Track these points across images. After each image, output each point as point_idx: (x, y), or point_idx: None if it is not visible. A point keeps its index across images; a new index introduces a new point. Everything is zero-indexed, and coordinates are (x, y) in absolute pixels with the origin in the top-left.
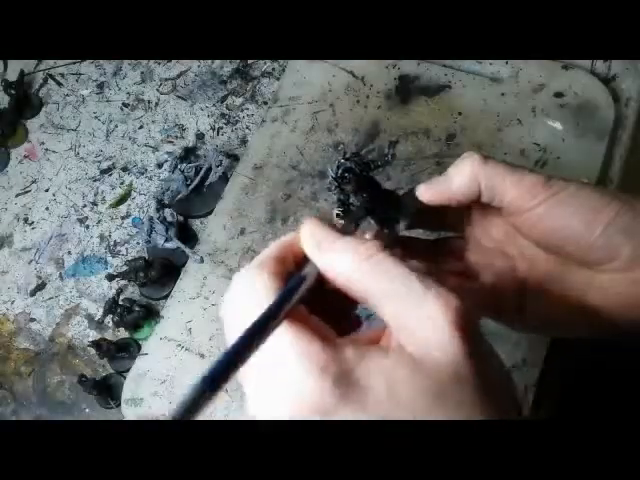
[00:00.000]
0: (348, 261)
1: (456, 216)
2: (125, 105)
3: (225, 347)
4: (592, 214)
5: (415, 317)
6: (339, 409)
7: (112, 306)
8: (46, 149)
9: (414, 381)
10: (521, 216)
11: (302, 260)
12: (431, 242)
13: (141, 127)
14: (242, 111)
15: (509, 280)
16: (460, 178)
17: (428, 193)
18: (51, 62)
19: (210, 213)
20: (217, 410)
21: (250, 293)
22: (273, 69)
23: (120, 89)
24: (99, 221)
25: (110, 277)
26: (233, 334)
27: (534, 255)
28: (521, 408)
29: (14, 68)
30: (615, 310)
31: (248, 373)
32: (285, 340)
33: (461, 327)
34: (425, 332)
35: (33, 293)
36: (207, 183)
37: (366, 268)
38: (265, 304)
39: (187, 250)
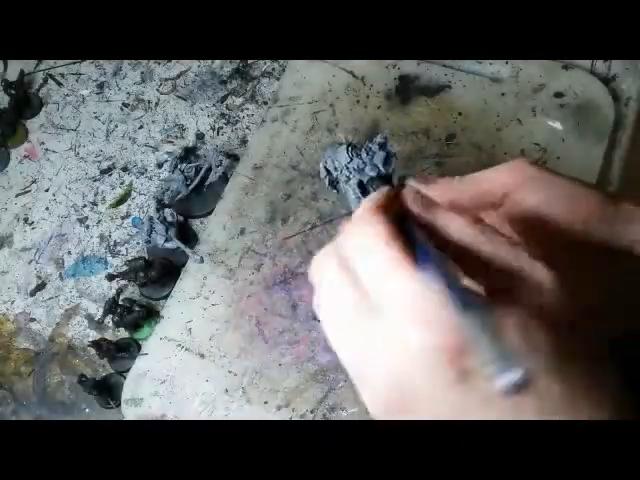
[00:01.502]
0: (458, 224)
1: None
2: (125, 105)
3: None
4: (573, 201)
5: (527, 281)
6: (472, 351)
7: (112, 306)
8: (46, 149)
9: (542, 329)
10: (502, 203)
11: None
12: None
13: (141, 127)
14: (242, 111)
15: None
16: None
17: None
18: (51, 62)
19: (210, 213)
20: (217, 410)
21: (373, 233)
22: (273, 69)
23: (120, 89)
24: (99, 221)
25: (110, 277)
26: (345, 281)
27: None
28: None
29: (14, 68)
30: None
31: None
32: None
33: (569, 296)
34: (537, 295)
35: (33, 293)
36: (207, 183)
37: (474, 232)
38: (397, 249)
39: (187, 250)
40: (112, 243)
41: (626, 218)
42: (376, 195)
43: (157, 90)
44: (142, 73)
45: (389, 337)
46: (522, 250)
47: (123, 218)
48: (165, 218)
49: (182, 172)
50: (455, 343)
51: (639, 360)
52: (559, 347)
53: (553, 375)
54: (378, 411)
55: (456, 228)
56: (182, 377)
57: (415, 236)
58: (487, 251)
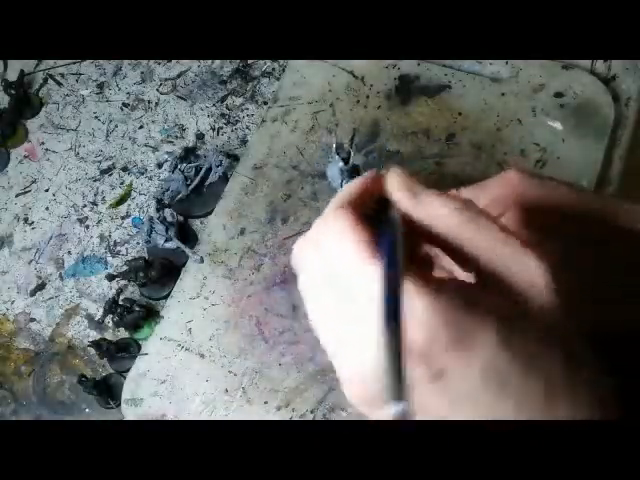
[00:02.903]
0: (447, 211)
1: None
2: (125, 105)
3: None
4: (564, 205)
5: (517, 275)
6: (447, 351)
7: (112, 306)
8: (46, 149)
9: (523, 327)
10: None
11: (379, 204)
12: None
13: (141, 127)
14: (242, 111)
15: None
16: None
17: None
18: (51, 62)
19: (210, 213)
20: (217, 410)
21: (341, 236)
22: (273, 69)
23: (120, 89)
24: (99, 221)
25: (110, 277)
26: (320, 272)
27: None
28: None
29: (14, 68)
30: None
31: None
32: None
33: (557, 291)
34: (526, 290)
35: (33, 293)
36: (207, 183)
37: (465, 219)
38: (358, 246)
39: (187, 250)
40: (112, 243)
41: (614, 214)
42: (346, 189)
43: (157, 90)
44: (142, 73)
45: (361, 328)
46: (513, 238)
47: (123, 218)
48: (165, 218)
49: (182, 172)
50: (422, 341)
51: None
52: (538, 348)
53: (531, 376)
54: (349, 398)
55: (444, 215)
56: (182, 377)
57: (390, 228)
58: (477, 239)
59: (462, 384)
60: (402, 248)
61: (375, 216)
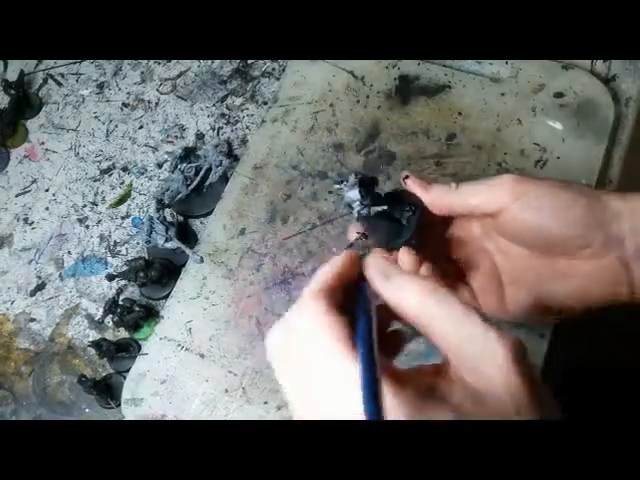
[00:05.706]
0: (416, 297)
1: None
2: (125, 105)
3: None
4: (563, 210)
5: (478, 354)
6: None
7: (112, 306)
8: (46, 149)
9: (480, 414)
10: (496, 217)
11: (352, 287)
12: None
13: (141, 127)
14: (242, 111)
15: (491, 274)
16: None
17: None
18: (51, 62)
19: (210, 213)
20: (217, 410)
21: (317, 327)
22: (273, 69)
23: (120, 89)
24: (99, 221)
25: (110, 277)
26: (299, 365)
27: (509, 248)
28: None
29: (14, 68)
30: (583, 293)
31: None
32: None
33: (519, 363)
34: (488, 369)
35: (33, 293)
36: (207, 183)
37: (431, 302)
38: (336, 336)
39: (187, 250)
40: (112, 243)
41: (614, 215)
42: (320, 275)
43: (157, 90)
44: (142, 73)
45: (334, 409)
46: (477, 317)
47: (123, 218)
48: (165, 218)
49: (182, 172)
50: None
51: None
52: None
53: None
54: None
55: (413, 297)
56: (182, 377)
57: (363, 309)
58: (442, 317)
59: None
60: (376, 332)
61: (351, 295)
